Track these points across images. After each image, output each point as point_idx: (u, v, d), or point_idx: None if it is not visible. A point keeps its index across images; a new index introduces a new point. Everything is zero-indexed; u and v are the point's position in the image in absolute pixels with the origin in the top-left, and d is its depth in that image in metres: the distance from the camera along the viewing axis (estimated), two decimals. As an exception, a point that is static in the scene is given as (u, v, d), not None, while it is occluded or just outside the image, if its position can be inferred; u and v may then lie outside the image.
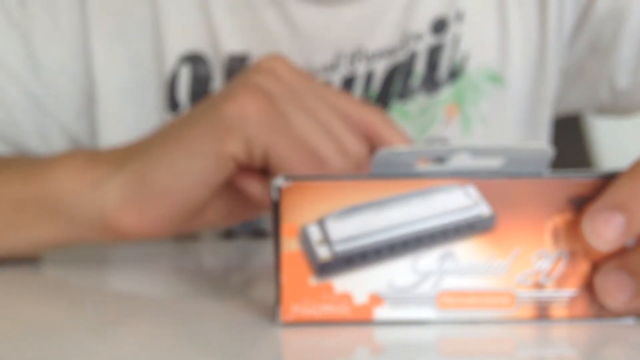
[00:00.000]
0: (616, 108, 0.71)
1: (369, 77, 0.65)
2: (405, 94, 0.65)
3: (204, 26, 0.64)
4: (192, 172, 0.48)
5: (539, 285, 0.37)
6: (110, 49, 0.65)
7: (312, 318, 0.36)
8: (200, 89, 0.65)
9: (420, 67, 0.65)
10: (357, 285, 0.36)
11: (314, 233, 0.36)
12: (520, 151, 0.35)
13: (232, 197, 0.50)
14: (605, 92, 0.69)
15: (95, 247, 0.58)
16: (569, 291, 0.37)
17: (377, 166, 0.36)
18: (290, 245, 0.36)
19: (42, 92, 0.65)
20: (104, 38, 0.64)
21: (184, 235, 0.67)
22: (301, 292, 0.36)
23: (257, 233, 0.68)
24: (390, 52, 0.64)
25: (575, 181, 0.36)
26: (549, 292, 0.37)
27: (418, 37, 0.65)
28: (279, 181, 0.36)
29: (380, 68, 0.64)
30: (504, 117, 0.67)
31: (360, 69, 0.64)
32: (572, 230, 0.36)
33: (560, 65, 0.68)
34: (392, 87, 0.65)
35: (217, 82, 0.65)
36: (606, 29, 0.66)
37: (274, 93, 0.47)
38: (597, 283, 0.36)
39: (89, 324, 0.40)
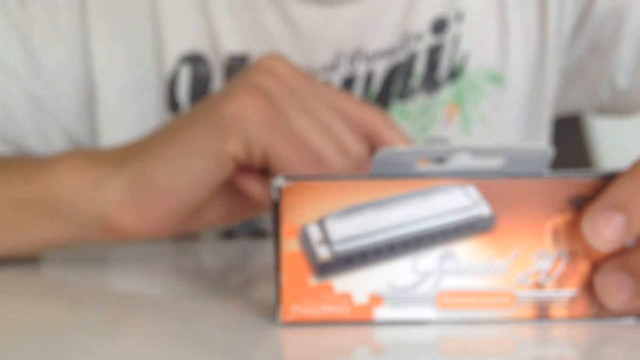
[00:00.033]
0: (616, 108, 0.71)
1: (369, 77, 0.65)
2: (405, 94, 0.65)
3: (204, 26, 0.64)
4: (191, 171, 0.48)
5: (539, 285, 0.37)
6: (110, 49, 0.65)
7: (312, 318, 0.36)
8: (200, 89, 0.65)
9: (420, 67, 0.65)
10: (357, 285, 0.36)
11: (314, 233, 0.36)
12: (520, 151, 0.35)
13: (232, 197, 0.50)
14: (605, 92, 0.69)
15: (95, 247, 0.58)
16: (569, 291, 0.37)
17: (377, 166, 0.36)
18: (290, 245, 0.36)
19: (42, 92, 0.65)
20: (104, 38, 0.64)
21: (184, 235, 0.67)
22: (301, 292, 0.36)
23: (257, 233, 0.68)
24: (390, 52, 0.64)
25: (575, 181, 0.36)
26: (549, 292, 0.37)
27: (418, 37, 0.65)
28: (279, 181, 0.36)
29: (380, 68, 0.64)
30: (504, 117, 0.67)
31: (360, 69, 0.64)
32: (572, 230, 0.36)
33: (560, 65, 0.68)
34: (392, 87, 0.65)
35: (217, 82, 0.65)
36: (606, 29, 0.66)
37: (273, 93, 0.47)
38: (597, 283, 0.36)
39: (89, 324, 0.40)
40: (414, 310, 0.37)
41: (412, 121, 0.65)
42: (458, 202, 0.36)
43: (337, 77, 0.64)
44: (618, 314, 0.37)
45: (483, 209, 0.36)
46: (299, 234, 0.36)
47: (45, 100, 0.65)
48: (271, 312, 0.38)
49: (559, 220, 0.36)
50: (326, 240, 0.36)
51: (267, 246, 0.62)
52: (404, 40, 0.64)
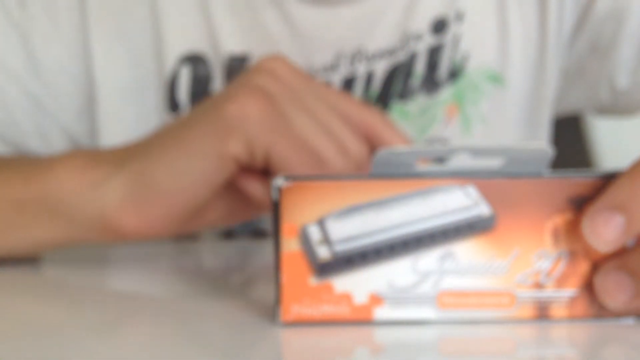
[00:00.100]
0: (616, 108, 0.71)
1: (369, 78, 0.65)
2: (405, 94, 0.65)
3: (204, 26, 0.64)
4: (192, 172, 0.48)
5: (539, 285, 0.37)
6: (110, 49, 0.65)
7: (312, 318, 0.36)
8: (200, 89, 0.65)
9: (420, 67, 0.65)
10: (357, 285, 0.36)
11: (314, 233, 0.36)
12: (520, 151, 0.35)
13: (232, 198, 0.50)
14: (605, 92, 0.69)
15: (95, 247, 0.58)
16: (569, 291, 0.37)
17: (377, 166, 0.36)
18: (290, 245, 0.36)
19: (42, 92, 0.65)
20: (104, 38, 0.64)
21: (184, 235, 0.67)
22: (301, 292, 0.36)
23: (257, 233, 0.68)
24: (390, 52, 0.64)
25: (575, 181, 0.36)
26: (549, 292, 0.37)
27: (418, 37, 0.65)
28: (279, 181, 0.36)
29: (381, 68, 0.64)
30: (504, 117, 0.67)
31: (361, 69, 0.64)
32: (572, 230, 0.36)
33: (560, 65, 0.68)
34: (392, 88, 0.65)
35: (217, 83, 0.65)
36: (606, 29, 0.66)
37: (274, 93, 0.47)
38: (597, 283, 0.36)
39: (89, 324, 0.40)
40: (414, 310, 0.37)
41: (412, 121, 0.65)
42: (458, 202, 0.36)
43: (337, 77, 0.64)
44: (618, 314, 0.37)
45: (483, 209, 0.36)
46: (299, 234, 0.36)
47: (45, 100, 0.65)
48: (271, 312, 0.38)
49: (559, 220, 0.36)
50: (326, 240, 0.36)
51: (267, 246, 0.62)
52: (404, 40, 0.64)
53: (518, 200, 0.36)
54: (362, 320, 0.36)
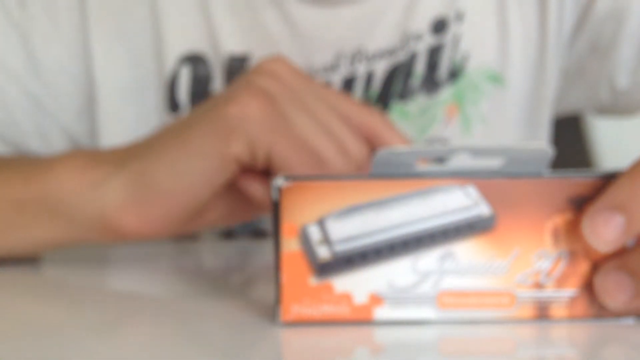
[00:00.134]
0: (616, 108, 0.71)
1: (369, 78, 0.65)
2: (405, 94, 0.65)
3: (204, 26, 0.64)
4: (193, 173, 0.48)
5: (539, 285, 0.37)
6: (110, 49, 0.65)
7: (312, 318, 0.36)
8: (200, 89, 0.65)
9: (420, 67, 0.65)
10: (357, 285, 0.36)
11: (314, 233, 0.36)
12: (520, 151, 0.35)
13: (233, 198, 0.50)
14: (605, 92, 0.69)
15: (95, 247, 0.58)
16: (569, 291, 0.37)
17: (377, 166, 0.36)
18: (290, 245, 0.36)
19: (42, 92, 0.65)
20: (104, 38, 0.64)
21: (184, 235, 0.67)
22: (301, 292, 0.36)
23: (257, 233, 0.68)
24: (390, 52, 0.64)
25: (575, 181, 0.36)
26: (549, 292, 0.37)
27: (418, 37, 0.65)
28: (279, 181, 0.36)
29: (381, 68, 0.64)
30: (504, 117, 0.67)
31: (361, 69, 0.64)
32: (572, 230, 0.36)
33: (560, 65, 0.68)
34: (392, 88, 0.65)
35: (217, 83, 0.65)
36: (606, 29, 0.66)
37: (275, 94, 0.48)
38: (597, 283, 0.36)
39: (89, 324, 0.40)
40: (414, 310, 0.37)
41: (412, 121, 0.65)
42: (458, 202, 0.36)
43: (337, 78, 0.64)
44: (618, 314, 0.37)
45: (483, 209, 0.36)
46: (299, 234, 0.36)
47: (45, 100, 0.65)
48: (271, 312, 0.38)
49: (559, 220, 0.36)
50: (326, 240, 0.36)
51: (267, 246, 0.62)
52: (404, 40, 0.64)
53: (518, 200, 0.36)
54: (362, 320, 0.36)
